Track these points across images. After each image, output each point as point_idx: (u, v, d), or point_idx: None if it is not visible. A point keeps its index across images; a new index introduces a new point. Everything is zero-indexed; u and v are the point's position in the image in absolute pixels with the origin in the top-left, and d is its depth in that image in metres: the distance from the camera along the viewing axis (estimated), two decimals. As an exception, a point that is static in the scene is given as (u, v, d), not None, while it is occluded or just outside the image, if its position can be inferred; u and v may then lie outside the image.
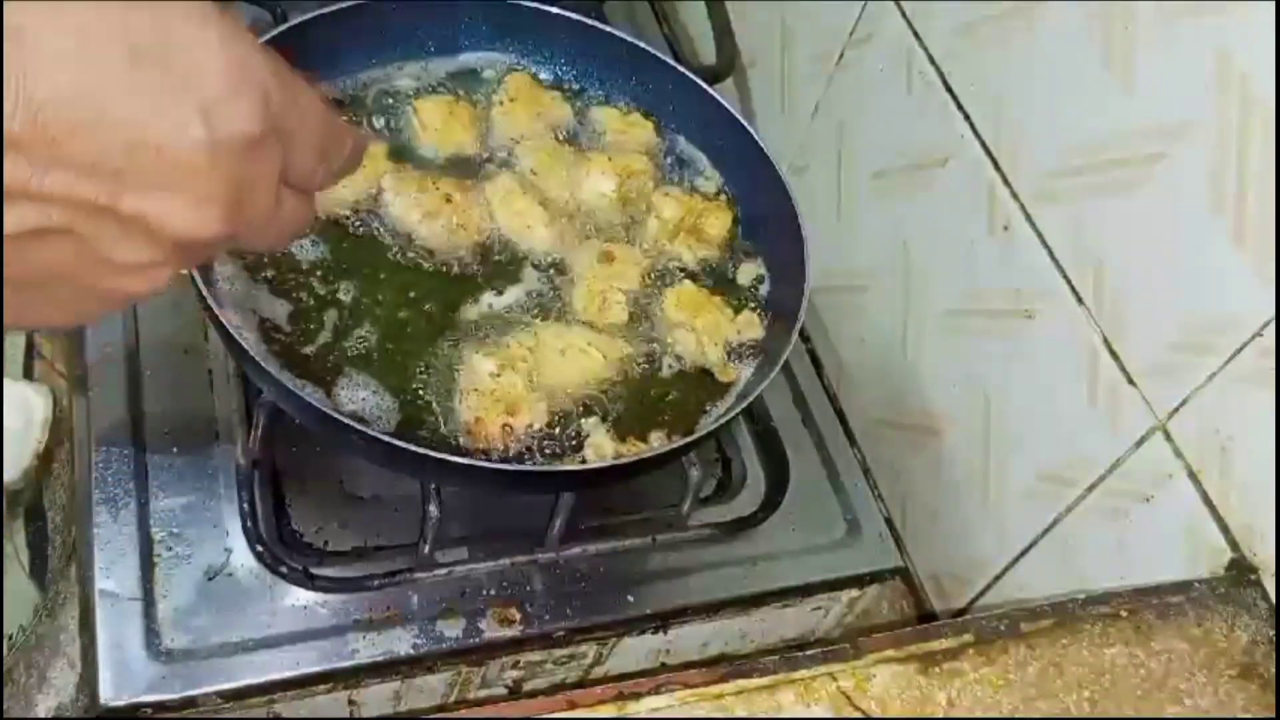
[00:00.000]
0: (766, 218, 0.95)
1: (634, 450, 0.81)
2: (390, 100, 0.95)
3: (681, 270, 0.93)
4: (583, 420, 0.83)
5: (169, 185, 0.42)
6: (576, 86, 1.01)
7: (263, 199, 0.46)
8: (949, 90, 0.92)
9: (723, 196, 0.98)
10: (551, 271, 0.90)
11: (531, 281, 0.89)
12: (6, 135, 0.38)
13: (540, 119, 0.97)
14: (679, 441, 0.81)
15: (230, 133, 0.43)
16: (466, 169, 0.93)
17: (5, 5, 0.38)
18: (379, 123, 0.94)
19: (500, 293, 0.87)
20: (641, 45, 0.99)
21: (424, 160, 0.93)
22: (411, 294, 0.86)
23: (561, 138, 0.98)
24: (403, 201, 0.88)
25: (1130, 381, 0.78)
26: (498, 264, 0.89)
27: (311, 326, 0.82)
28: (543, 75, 1.01)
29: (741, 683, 0.62)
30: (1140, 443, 0.78)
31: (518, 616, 0.87)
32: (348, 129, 0.52)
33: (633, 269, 0.90)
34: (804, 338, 1.13)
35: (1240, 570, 0.72)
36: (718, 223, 0.94)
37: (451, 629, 0.86)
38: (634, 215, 0.95)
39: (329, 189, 0.53)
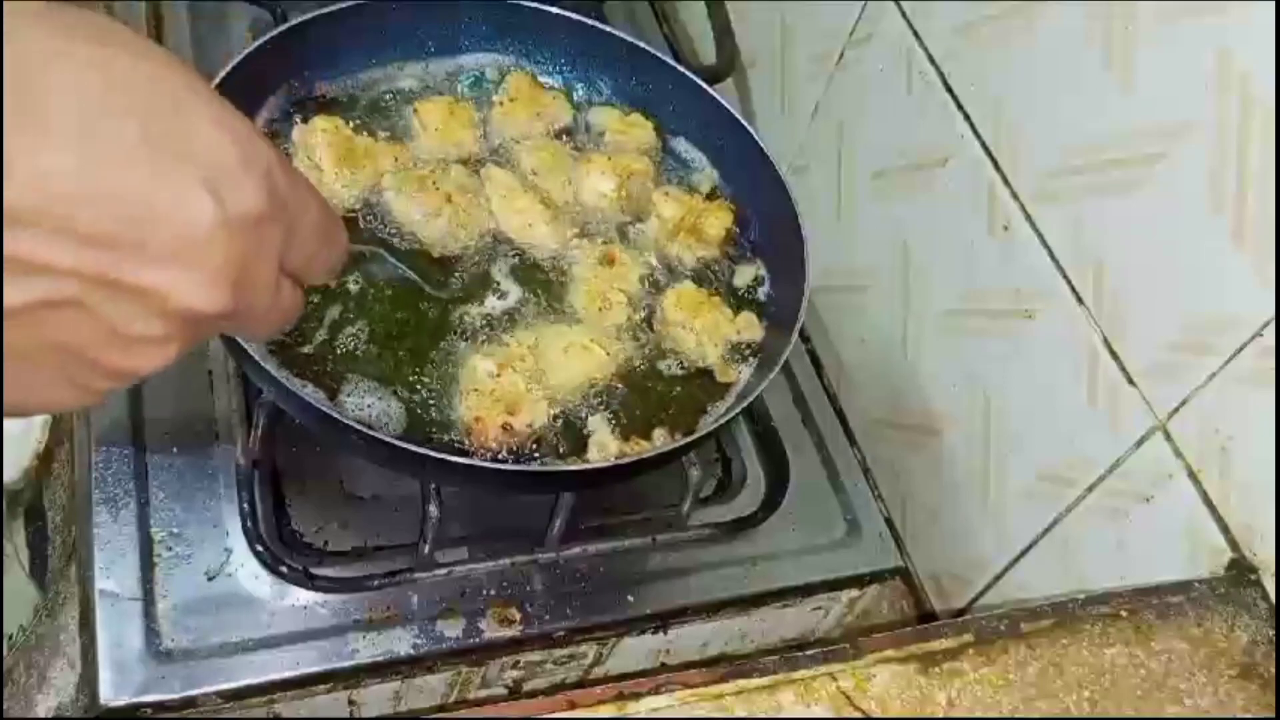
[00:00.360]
0: (766, 218, 0.95)
1: (634, 450, 0.81)
2: (391, 100, 0.95)
3: (681, 270, 0.93)
4: (588, 418, 0.83)
5: (177, 259, 0.43)
6: (577, 86, 1.01)
7: (265, 277, 0.47)
8: (949, 90, 0.92)
9: (722, 196, 0.98)
10: (552, 273, 0.90)
11: (531, 281, 0.89)
12: (26, 209, 0.39)
13: (540, 119, 0.97)
14: (679, 441, 0.81)
15: (239, 209, 0.44)
16: (466, 168, 0.93)
17: (12, 73, 0.39)
18: (380, 123, 0.94)
19: (501, 296, 0.87)
20: (641, 45, 0.99)
21: (424, 160, 0.93)
22: (411, 295, 0.86)
23: (562, 138, 0.98)
24: (403, 200, 0.88)
25: (1130, 381, 0.78)
26: (498, 263, 0.89)
27: (311, 325, 0.82)
28: (542, 76, 1.01)
29: (741, 683, 0.62)
30: (1140, 443, 0.78)
31: (518, 616, 0.87)
32: (340, 222, 0.53)
33: (633, 270, 0.90)
34: (804, 338, 1.13)
35: (1240, 570, 0.72)
36: (717, 222, 0.94)
37: (451, 629, 0.86)
38: (634, 215, 0.95)
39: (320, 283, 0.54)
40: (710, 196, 0.97)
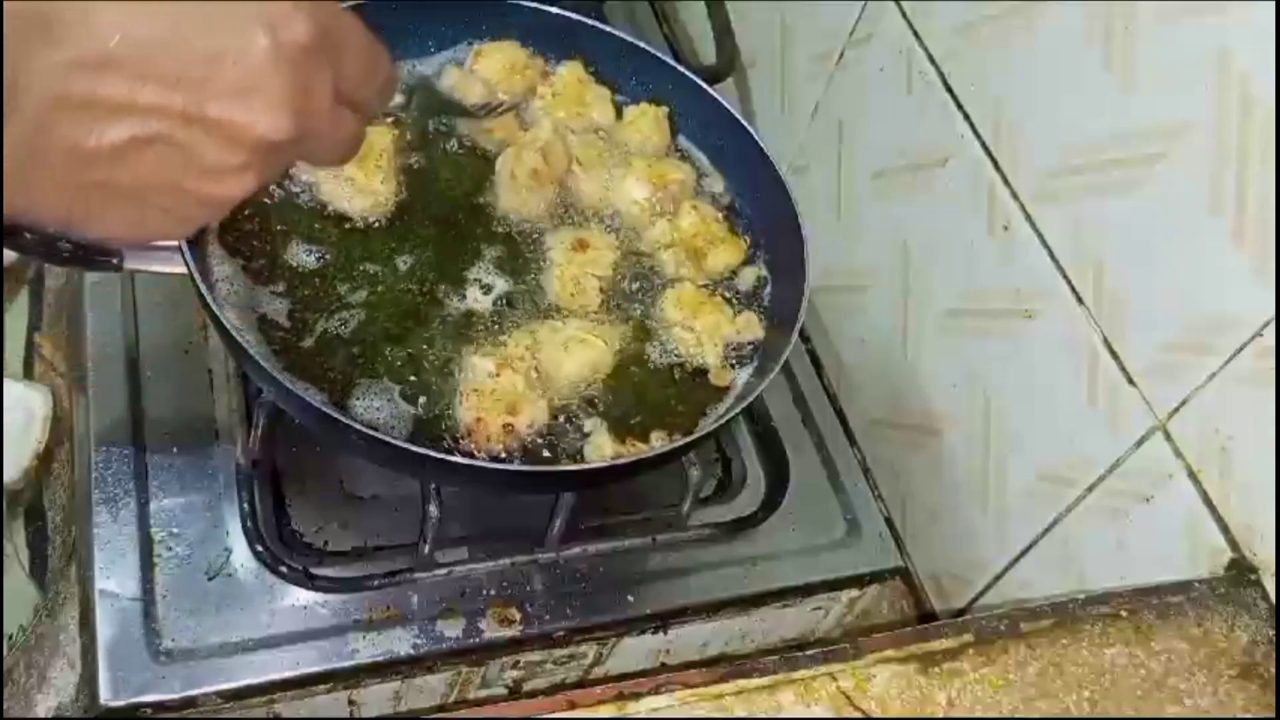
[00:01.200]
0: (766, 218, 0.95)
1: (634, 450, 0.81)
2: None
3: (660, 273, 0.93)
4: (585, 420, 0.83)
5: (245, 91, 0.49)
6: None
7: (322, 102, 0.52)
8: (949, 90, 0.92)
9: (742, 233, 0.96)
10: (534, 261, 0.89)
11: (514, 270, 0.88)
12: (109, 57, 0.45)
13: (580, 117, 0.97)
14: (679, 441, 0.81)
15: (290, 40, 0.49)
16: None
17: None
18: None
19: (486, 290, 0.87)
20: (641, 45, 0.99)
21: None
22: (405, 267, 0.86)
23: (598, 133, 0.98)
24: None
25: (1130, 381, 0.78)
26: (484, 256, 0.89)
27: (309, 321, 0.82)
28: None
29: (741, 683, 0.62)
30: (1140, 443, 0.78)
31: (518, 616, 0.87)
32: (385, 51, 0.58)
33: (606, 255, 0.90)
34: (804, 338, 1.13)
35: (1240, 570, 0.72)
36: (723, 255, 0.93)
37: (451, 629, 0.86)
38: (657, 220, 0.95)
39: (376, 113, 0.60)
40: (732, 227, 0.96)
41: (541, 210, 0.91)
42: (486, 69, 0.96)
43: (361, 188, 0.87)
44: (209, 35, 0.48)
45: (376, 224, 0.87)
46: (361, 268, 0.85)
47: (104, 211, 0.50)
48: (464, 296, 0.86)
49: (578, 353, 0.83)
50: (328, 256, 0.85)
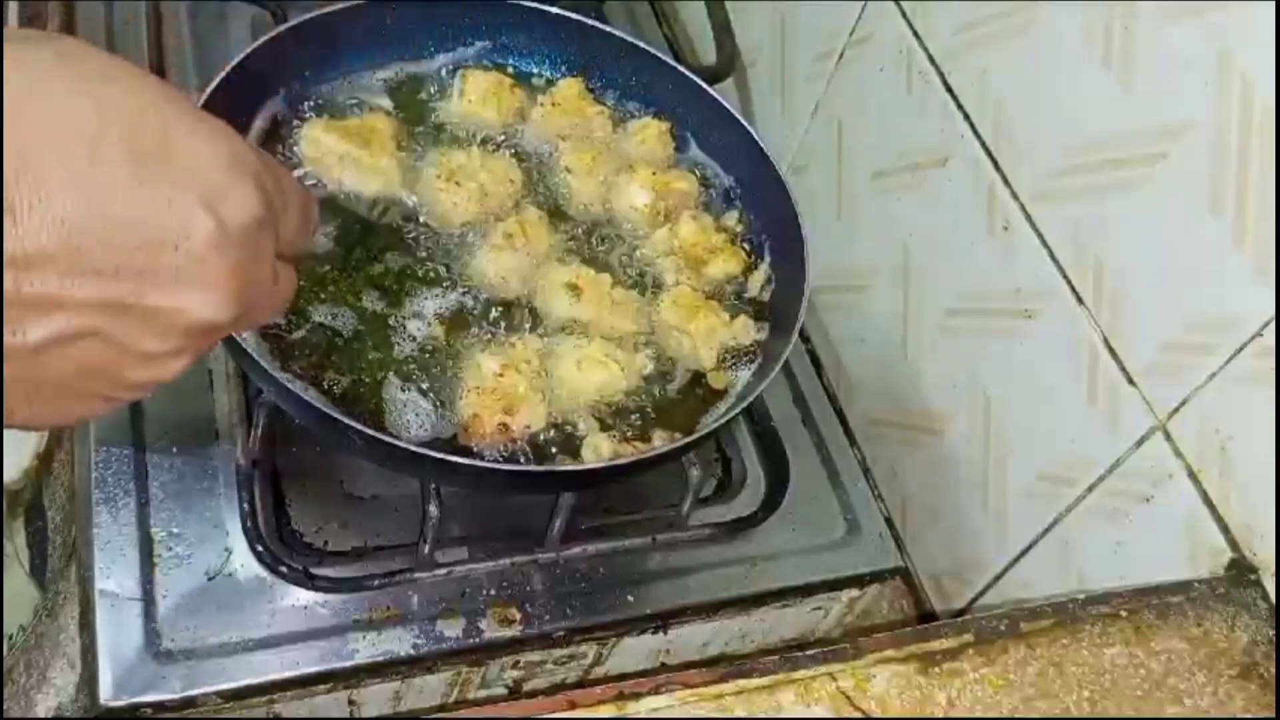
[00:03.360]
0: (766, 218, 0.95)
1: (634, 450, 0.81)
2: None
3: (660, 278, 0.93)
4: (580, 421, 0.82)
5: (184, 279, 0.46)
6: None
7: (265, 276, 0.51)
8: (949, 90, 0.92)
9: (742, 238, 0.96)
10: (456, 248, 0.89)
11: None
12: (42, 252, 0.42)
13: (577, 129, 0.97)
14: (679, 441, 0.81)
15: (237, 221, 0.47)
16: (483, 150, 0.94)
17: (6, 134, 0.41)
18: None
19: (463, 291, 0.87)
20: (641, 45, 0.99)
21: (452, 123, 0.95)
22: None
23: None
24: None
25: (1130, 381, 0.78)
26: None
27: (307, 315, 0.82)
28: (536, 71, 1.01)
29: (741, 683, 0.62)
30: (1140, 443, 0.78)
31: (518, 616, 0.87)
32: (311, 196, 0.57)
33: (543, 241, 0.89)
34: (804, 338, 1.13)
35: (1240, 570, 0.72)
36: (722, 266, 0.93)
37: (451, 629, 0.86)
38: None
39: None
40: (735, 238, 0.96)
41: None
42: (472, 92, 0.95)
43: (369, 167, 0.88)
44: (147, 221, 0.44)
45: (384, 209, 0.88)
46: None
47: (28, 404, 0.47)
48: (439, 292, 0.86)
49: (591, 372, 0.83)
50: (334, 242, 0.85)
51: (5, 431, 0.93)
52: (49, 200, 0.42)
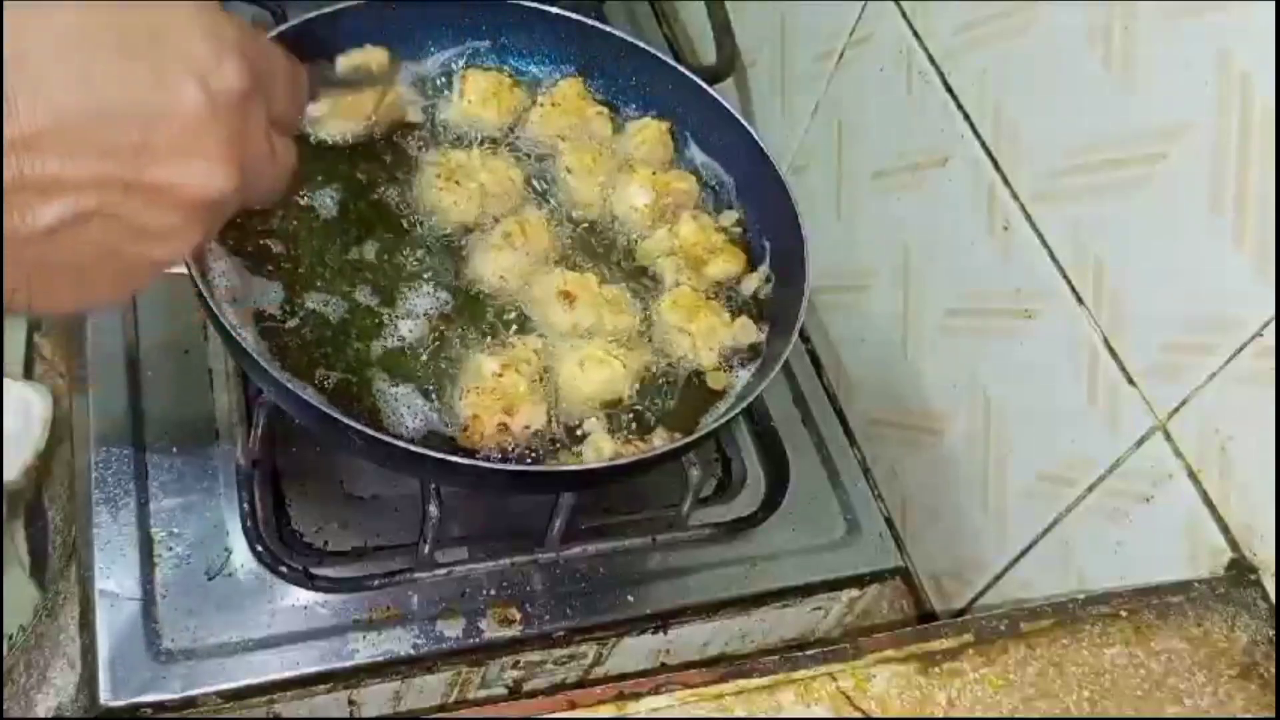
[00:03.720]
0: (766, 218, 0.95)
1: (634, 450, 0.81)
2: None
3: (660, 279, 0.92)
4: (583, 421, 0.82)
5: (182, 151, 0.48)
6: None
7: (259, 145, 0.52)
8: (949, 90, 0.92)
9: (742, 237, 0.96)
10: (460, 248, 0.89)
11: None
12: (40, 135, 0.44)
13: (575, 130, 0.97)
14: (679, 441, 0.81)
15: (225, 91, 0.49)
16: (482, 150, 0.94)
17: (5, 33, 0.43)
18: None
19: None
20: (641, 45, 0.99)
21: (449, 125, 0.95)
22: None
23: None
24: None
25: (1130, 381, 0.78)
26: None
27: (304, 311, 0.82)
28: (535, 71, 1.01)
29: (741, 683, 0.62)
30: (1140, 443, 0.78)
31: (518, 616, 0.87)
32: (299, 66, 0.58)
33: (543, 237, 0.89)
34: (804, 338, 1.13)
35: (1240, 570, 0.72)
36: (722, 266, 0.93)
37: (451, 629, 0.86)
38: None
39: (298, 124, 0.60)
40: (735, 238, 0.95)
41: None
42: (472, 92, 0.95)
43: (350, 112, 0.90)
44: (139, 98, 0.46)
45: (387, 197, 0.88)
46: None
47: (46, 288, 0.49)
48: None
49: (593, 371, 0.83)
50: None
51: (5, 431, 0.93)
52: (43, 85, 0.44)
